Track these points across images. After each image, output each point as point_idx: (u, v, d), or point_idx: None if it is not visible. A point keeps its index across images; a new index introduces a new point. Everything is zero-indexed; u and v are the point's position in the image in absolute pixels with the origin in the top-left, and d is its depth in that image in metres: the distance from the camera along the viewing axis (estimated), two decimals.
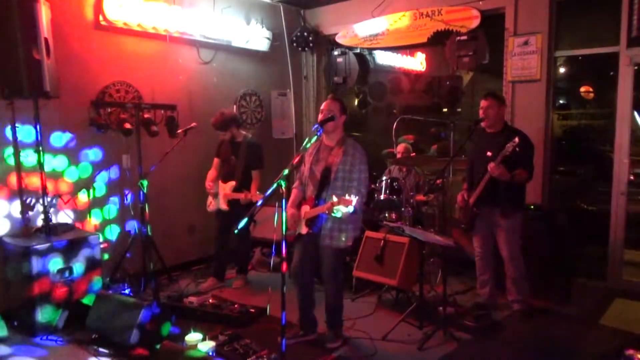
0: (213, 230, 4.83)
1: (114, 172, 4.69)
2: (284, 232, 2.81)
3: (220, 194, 4.58)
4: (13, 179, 3.98)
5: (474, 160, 4.06)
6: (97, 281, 4.00)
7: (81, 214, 4.39)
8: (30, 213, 4.07)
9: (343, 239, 3.36)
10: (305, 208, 3.40)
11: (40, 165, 3.86)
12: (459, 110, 6.16)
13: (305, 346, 3.52)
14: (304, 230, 3.39)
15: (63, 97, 3.96)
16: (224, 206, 4.56)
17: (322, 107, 3.41)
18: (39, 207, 3.98)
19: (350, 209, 2.98)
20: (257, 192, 4.34)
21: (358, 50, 6.24)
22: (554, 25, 4.69)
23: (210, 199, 4.70)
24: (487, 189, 3.80)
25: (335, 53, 6.32)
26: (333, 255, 3.39)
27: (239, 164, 4.56)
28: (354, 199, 2.95)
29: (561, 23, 4.72)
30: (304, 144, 3.08)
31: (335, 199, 3.06)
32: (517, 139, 3.58)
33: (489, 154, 3.80)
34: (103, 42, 4.52)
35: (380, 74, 6.82)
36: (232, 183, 4.52)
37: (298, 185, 3.58)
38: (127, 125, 4.51)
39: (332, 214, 3.14)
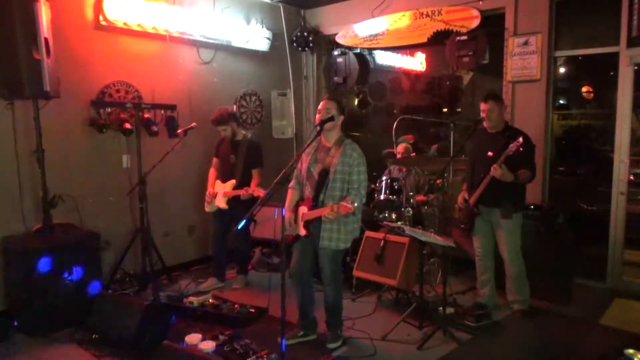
0: (212, 230, 4.82)
1: (113, 172, 4.69)
2: (283, 233, 2.81)
3: (220, 193, 4.54)
4: (13, 179, 3.98)
5: (475, 160, 4.05)
6: (97, 281, 4.00)
7: (81, 214, 4.39)
8: (31, 213, 4.07)
9: (342, 240, 3.36)
10: (303, 209, 3.38)
11: (40, 165, 3.86)
12: (459, 110, 6.16)
13: (305, 346, 3.52)
14: (302, 232, 3.38)
15: (63, 97, 3.96)
16: (223, 205, 4.51)
17: (319, 107, 3.40)
18: (39, 207, 3.98)
19: (350, 214, 3.01)
20: (258, 187, 4.29)
21: (358, 50, 6.24)
22: (553, 25, 4.69)
23: (206, 202, 4.65)
24: (488, 190, 3.80)
25: (335, 53, 6.32)
26: (332, 257, 3.39)
27: (238, 163, 4.53)
28: (354, 206, 3.00)
29: (561, 23, 4.72)
30: (308, 142, 3.11)
31: (334, 202, 3.12)
32: (521, 139, 3.57)
33: (490, 154, 3.80)
34: (103, 42, 4.51)
35: (380, 74, 6.84)
36: (232, 181, 4.48)
37: (294, 185, 3.56)
38: (127, 125, 4.51)
39: (330, 217, 3.16)
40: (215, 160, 4.78)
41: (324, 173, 3.34)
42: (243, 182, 4.46)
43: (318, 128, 3.26)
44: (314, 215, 3.29)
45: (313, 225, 3.35)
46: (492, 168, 3.68)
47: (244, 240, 4.78)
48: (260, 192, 4.16)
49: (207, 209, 4.66)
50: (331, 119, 3.27)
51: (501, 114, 3.90)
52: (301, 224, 3.37)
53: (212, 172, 4.75)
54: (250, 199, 4.29)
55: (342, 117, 3.38)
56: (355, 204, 3.06)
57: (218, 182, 4.63)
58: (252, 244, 5.55)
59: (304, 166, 3.47)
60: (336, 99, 3.44)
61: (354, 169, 3.29)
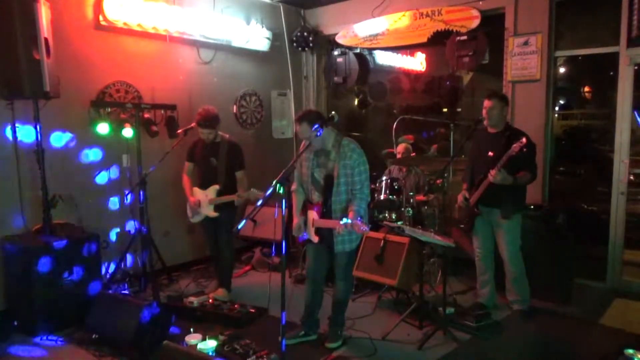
0: (206, 240, 4.66)
1: (114, 172, 4.69)
2: (283, 233, 2.81)
3: (204, 201, 4.28)
4: (13, 178, 3.97)
5: (475, 160, 4.05)
6: (97, 281, 4.00)
7: (81, 214, 4.39)
8: (31, 213, 4.07)
9: (354, 240, 3.42)
10: (313, 214, 3.38)
11: (40, 165, 3.86)
12: (459, 110, 6.16)
13: (305, 346, 3.52)
14: (315, 239, 3.39)
15: (63, 97, 3.96)
16: (212, 213, 4.26)
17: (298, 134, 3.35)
18: (39, 207, 3.98)
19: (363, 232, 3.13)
20: (253, 190, 4.09)
21: (358, 50, 6.24)
22: (553, 25, 4.69)
23: (190, 211, 4.42)
24: (489, 190, 3.79)
25: (335, 53, 6.31)
26: (347, 257, 3.46)
27: (220, 166, 4.25)
28: (367, 229, 3.05)
29: (561, 23, 4.72)
30: (301, 151, 3.11)
31: (342, 206, 3.19)
32: (524, 139, 3.56)
33: (490, 154, 3.80)
34: (103, 42, 4.52)
35: (380, 74, 6.83)
36: (216, 186, 4.24)
37: (297, 188, 3.54)
38: (127, 126, 4.50)
39: (342, 232, 3.20)
40: (187, 165, 4.46)
41: (329, 178, 3.34)
42: (227, 186, 4.25)
43: (308, 143, 3.27)
44: (325, 225, 3.32)
45: (324, 230, 3.37)
46: (489, 174, 3.68)
47: (227, 247, 4.40)
48: (258, 196, 3.97)
49: (192, 220, 4.43)
50: (316, 132, 3.16)
51: (502, 114, 3.90)
52: (312, 230, 3.38)
53: (186, 180, 4.43)
54: (243, 202, 4.21)
55: (322, 125, 3.20)
56: (368, 228, 3.09)
57: (196, 189, 4.36)
58: (253, 244, 5.56)
59: (305, 171, 3.46)
60: (303, 117, 3.28)
61: (355, 170, 3.28)
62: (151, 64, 4.91)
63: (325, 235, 3.37)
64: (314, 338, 3.61)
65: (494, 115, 3.85)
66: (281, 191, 2.68)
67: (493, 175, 3.65)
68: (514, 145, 3.57)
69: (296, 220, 3.49)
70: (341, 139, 3.35)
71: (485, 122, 3.92)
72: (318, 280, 3.57)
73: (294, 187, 3.56)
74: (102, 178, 4.60)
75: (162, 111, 4.89)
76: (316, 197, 3.41)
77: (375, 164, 5.41)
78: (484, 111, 3.89)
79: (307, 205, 3.47)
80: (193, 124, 4.48)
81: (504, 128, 3.90)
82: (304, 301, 3.62)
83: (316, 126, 3.17)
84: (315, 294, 3.59)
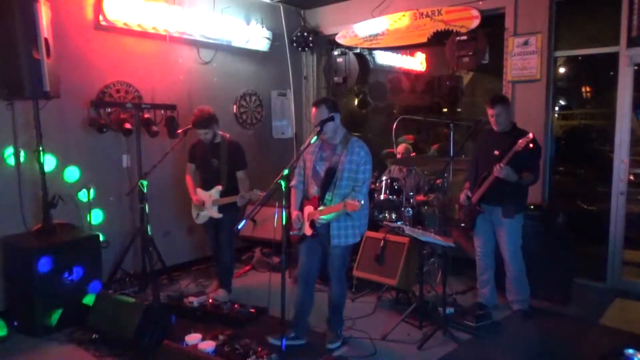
0: (207, 240, 4.67)
1: (113, 172, 4.69)
2: (284, 233, 2.81)
3: (208, 202, 4.27)
4: (13, 179, 3.98)
5: (479, 159, 4.04)
6: (97, 281, 4.00)
7: (81, 214, 4.39)
8: (31, 213, 4.07)
9: (351, 236, 3.37)
10: (309, 208, 3.37)
11: (40, 165, 3.86)
12: (459, 110, 6.17)
13: (305, 346, 3.51)
14: (308, 231, 3.36)
15: (63, 97, 3.96)
16: (216, 214, 4.25)
17: (312, 119, 3.38)
18: (40, 207, 3.98)
19: (356, 209, 3.03)
20: (255, 190, 4.08)
21: (358, 50, 6.24)
22: (553, 25, 4.69)
23: (195, 211, 4.40)
24: (491, 189, 3.79)
25: (335, 53, 6.32)
26: (342, 254, 3.41)
27: (222, 167, 4.24)
28: (360, 203, 2.99)
29: (561, 23, 4.72)
30: (308, 142, 3.10)
31: (342, 201, 3.12)
32: (531, 135, 3.56)
33: (496, 152, 3.80)
34: (103, 42, 4.52)
35: (380, 74, 6.83)
36: (219, 187, 4.22)
37: (296, 184, 3.53)
38: (127, 125, 4.50)
39: (328, 217, 3.19)
40: (189, 166, 4.45)
41: (331, 172, 3.32)
42: (229, 187, 4.23)
43: (318, 128, 3.26)
44: (321, 214, 3.28)
45: (320, 224, 3.34)
46: (494, 168, 3.67)
47: (228, 248, 4.40)
48: (261, 195, 3.95)
49: (198, 221, 4.42)
50: (331, 118, 3.26)
51: (508, 116, 3.90)
52: (307, 223, 3.36)
53: (189, 180, 4.42)
54: (244, 202, 4.19)
55: (338, 114, 3.34)
56: (362, 202, 3.04)
57: (199, 190, 4.34)
58: (253, 244, 5.56)
59: (308, 165, 3.44)
60: (322, 101, 3.37)
61: (360, 167, 3.29)
62: (151, 64, 4.91)
63: (321, 229, 3.34)
64: (302, 343, 3.50)
65: (502, 120, 3.84)
66: (283, 186, 2.68)
67: (498, 169, 3.65)
68: (520, 140, 3.57)
69: (295, 212, 3.45)
70: (350, 137, 3.38)
71: (494, 127, 3.90)
72: (310, 281, 3.51)
73: (293, 182, 3.54)
74: (102, 178, 4.59)
75: (162, 111, 4.88)
76: (314, 191, 3.39)
77: (376, 163, 5.42)
78: (491, 119, 3.87)
79: (304, 202, 3.45)
80: (190, 125, 4.48)
81: (511, 128, 3.90)
82: (293, 304, 3.50)
83: (334, 112, 3.26)
84: (306, 298, 3.51)
